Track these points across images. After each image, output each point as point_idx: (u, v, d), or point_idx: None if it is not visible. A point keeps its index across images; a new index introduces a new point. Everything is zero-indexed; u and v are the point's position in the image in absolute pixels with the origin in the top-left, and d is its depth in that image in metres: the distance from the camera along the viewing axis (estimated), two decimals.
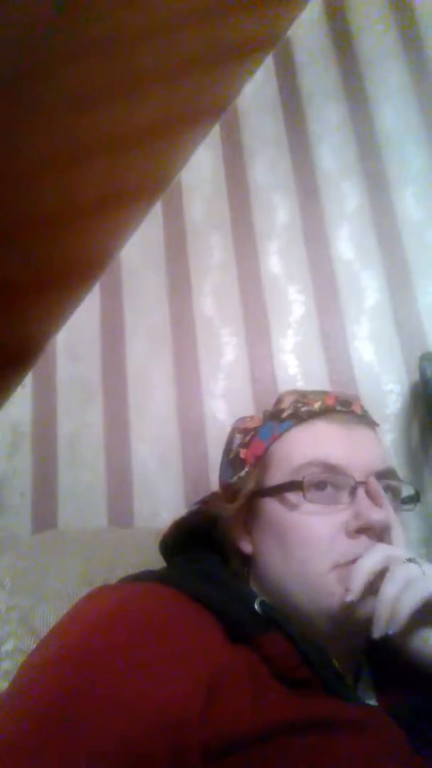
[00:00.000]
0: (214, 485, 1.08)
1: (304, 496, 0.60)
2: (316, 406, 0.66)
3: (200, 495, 1.06)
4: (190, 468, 1.09)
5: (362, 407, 0.70)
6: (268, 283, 1.19)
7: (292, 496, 0.61)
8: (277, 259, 1.20)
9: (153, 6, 1.30)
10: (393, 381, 1.08)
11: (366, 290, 1.15)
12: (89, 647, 0.47)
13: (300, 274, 1.18)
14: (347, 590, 0.54)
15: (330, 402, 0.67)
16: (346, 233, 1.20)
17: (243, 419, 0.76)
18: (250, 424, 0.72)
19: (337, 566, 0.57)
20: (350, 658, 0.60)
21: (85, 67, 1.27)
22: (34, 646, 0.64)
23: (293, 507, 0.61)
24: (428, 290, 1.13)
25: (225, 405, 1.12)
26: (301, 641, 0.53)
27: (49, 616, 0.70)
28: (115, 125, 1.27)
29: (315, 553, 0.58)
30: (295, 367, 1.12)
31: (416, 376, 1.04)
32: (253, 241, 1.22)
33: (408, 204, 1.19)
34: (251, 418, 0.75)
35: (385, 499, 0.61)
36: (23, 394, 1.19)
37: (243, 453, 0.69)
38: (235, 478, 0.67)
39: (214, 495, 0.68)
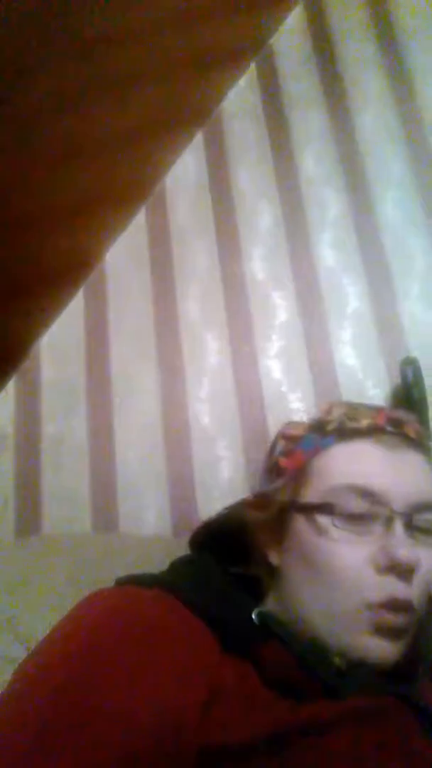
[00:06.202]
0: (199, 488, 1.09)
1: (334, 522, 0.56)
2: (364, 423, 0.62)
3: (185, 499, 1.07)
4: (175, 472, 1.09)
5: (418, 430, 0.65)
6: (252, 287, 1.20)
7: (322, 519, 0.57)
8: (260, 264, 1.21)
9: (136, 10, 1.31)
10: (376, 386, 1.10)
11: (348, 295, 1.17)
12: (87, 655, 0.47)
13: (283, 278, 1.19)
14: None
15: (380, 421, 0.62)
16: (329, 239, 1.21)
17: (290, 425, 0.72)
18: (296, 432, 0.68)
19: (369, 607, 0.53)
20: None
21: (69, 69, 1.27)
22: (21, 652, 0.64)
23: (321, 531, 0.57)
24: (409, 294, 1.15)
25: (209, 408, 1.12)
26: (299, 649, 0.52)
27: (35, 622, 0.70)
28: (98, 128, 1.27)
29: (342, 586, 0.55)
30: (279, 371, 1.13)
31: (398, 381, 1.06)
32: (237, 245, 1.23)
33: (388, 208, 1.21)
34: (298, 424, 0.71)
35: (413, 538, 0.55)
36: (6, 397, 1.18)
37: (283, 462, 0.66)
38: (270, 487, 0.65)
39: (244, 501, 0.65)
